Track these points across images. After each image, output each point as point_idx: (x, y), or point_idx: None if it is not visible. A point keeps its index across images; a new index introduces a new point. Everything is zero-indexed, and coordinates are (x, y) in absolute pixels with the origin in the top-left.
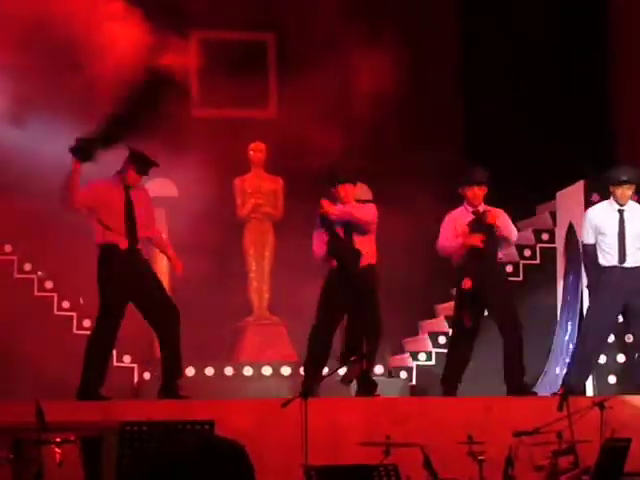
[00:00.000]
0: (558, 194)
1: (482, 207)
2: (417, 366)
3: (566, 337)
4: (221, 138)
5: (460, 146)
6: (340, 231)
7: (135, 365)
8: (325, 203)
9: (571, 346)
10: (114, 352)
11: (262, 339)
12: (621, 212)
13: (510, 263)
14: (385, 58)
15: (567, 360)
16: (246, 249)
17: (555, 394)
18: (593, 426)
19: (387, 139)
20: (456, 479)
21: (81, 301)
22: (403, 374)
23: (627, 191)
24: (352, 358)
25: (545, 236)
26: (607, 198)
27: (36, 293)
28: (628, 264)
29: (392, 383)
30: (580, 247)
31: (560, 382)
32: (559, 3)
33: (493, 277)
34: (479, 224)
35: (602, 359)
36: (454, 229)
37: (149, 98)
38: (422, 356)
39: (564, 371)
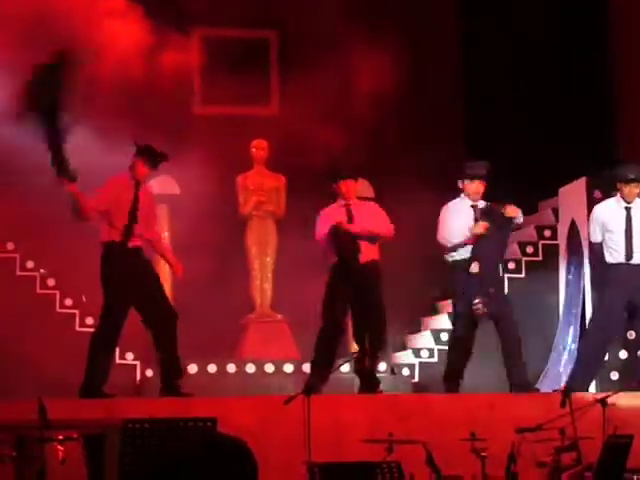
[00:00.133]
0: (560, 191)
1: (482, 202)
2: (420, 363)
3: (568, 334)
4: (223, 136)
5: (461, 144)
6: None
7: (138, 362)
8: (342, 222)
9: (571, 343)
10: (117, 350)
11: (264, 336)
12: (628, 209)
13: (512, 260)
14: (386, 57)
15: (566, 357)
16: (248, 247)
17: (556, 390)
18: (595, 423)
19: (388, 137)
20: (459, 476)
21: (83, 299)
22: (406, 371)
23: (635, 189)
24: (354, 354)
25: (547, 232)
26: (609, 195)
27: (38, 291)
28: (635, 261)
29: (395, 380)
30: (585, 245)
31: (563, 380)
32: (559, 3)
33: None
34: (488, 217)
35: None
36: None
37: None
38: (424, 353)
39: (566, 369)
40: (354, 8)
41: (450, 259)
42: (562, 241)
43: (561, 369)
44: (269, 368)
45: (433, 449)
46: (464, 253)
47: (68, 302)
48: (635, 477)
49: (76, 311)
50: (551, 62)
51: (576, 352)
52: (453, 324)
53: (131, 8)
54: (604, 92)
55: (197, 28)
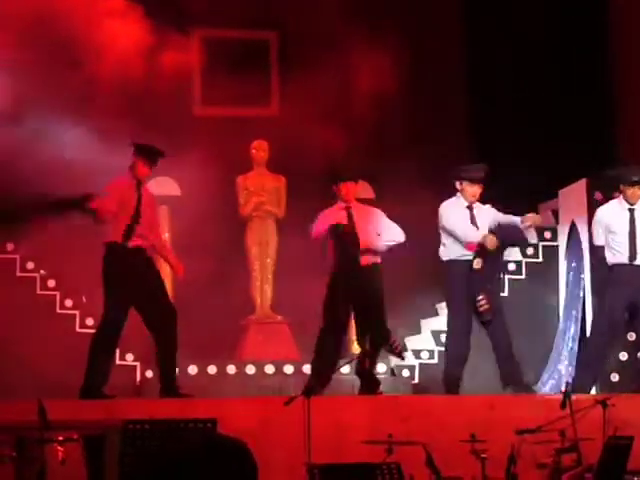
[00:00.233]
0: (560, 192)
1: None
2: (420, 364)
3: (568, 335)
4: (223, 136)
5: (461, 145)
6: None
7: (138, 363)
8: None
9: (572, 344)
10: (117, 351)
11: (265, 337)
12: (631, 211)
13: (513, 261)
14: (386, 57)
15: (566, 358)
16: (248, 247)
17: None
18: (596, 424)
19: (388, 138)
20: (459, 477)
21: (84, 300)
22: (406, 372)
23: (638, 191)
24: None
25: (547, 234)
26: (610, 196)
27: (38, 291)
28: (638, 262)
29: (395, 381)
30: (585, 247)
31: (563, 381)
32: (559, 3)
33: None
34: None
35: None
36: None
37: None
38: (425, 354)
39: (566, 370)
40: (354, 8)
41: (445, 258)
42: (562, 243)
43: (562, 370)
44: (269, 369)
45: (433, 450)
46: (459, 252)
47: (68, 303)
48: (635, 479)
49: (76, 312)
50: (551, 62)
51: (577, 353)
52: (449, 324)
53: (131, 8)
54: (604, 93)
55: (197, 28)
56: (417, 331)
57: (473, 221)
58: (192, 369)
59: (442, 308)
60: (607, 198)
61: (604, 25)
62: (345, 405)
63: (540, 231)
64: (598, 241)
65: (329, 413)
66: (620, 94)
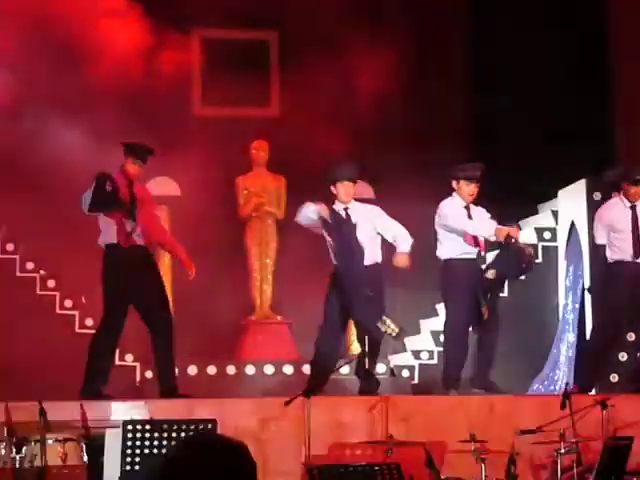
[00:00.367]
0: (560, 192)
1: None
2: (419, 365)
3: (568, 335)
4: (223, 137)
5: (461, 146)
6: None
7: (137, 364)
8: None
9: (571, 344)
10: (117, 351)
11: (264, 338)
12: (633, 208)
13: None
14: (387, 57)
15: (565, 358)
16: (248, 248)
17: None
18: (595, 425)
19: (389, 138)
20: (458, 478)
21: (83, 300)
22: (405, 373)
23: None
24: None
25: (547, 234)
26: (609, 197)
27: (38, 292)
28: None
29: (394, 382)
30: (584, 247)
31: (562, 381)
32: (559, 3)
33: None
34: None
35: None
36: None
37: None
38: (424, 355)
39: (566, 370)
40: (354, 8)
41: (443, 257)
42: (562, 243)
43: (561, 370)
44: (269, 369)
45: (433, 451)
46: (458, 251)
47: (68, 303)
48: (635, 479)
49: (76, 312)
50: (551, 62)
51: (575, 353)
52: (447, 324)
53: (130, 8)
54: (604, 93)
55: (197, 28)
56: (417, 331)
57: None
58: (192, 369)
59: (442, 308)
60: (606, 199)
61: (604, 25)
62: (345, 405)
63: (540, 231)
64: (599, 240)
65: (329, 413)
66: (620, 96)
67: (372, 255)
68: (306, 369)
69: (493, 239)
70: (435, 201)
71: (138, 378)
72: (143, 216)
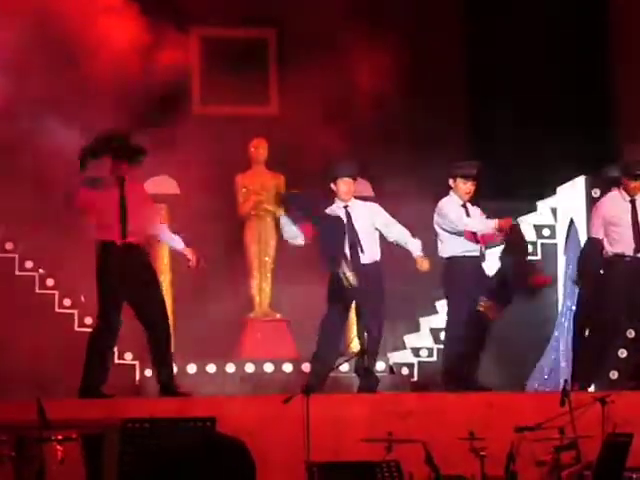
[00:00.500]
0: (559, 189)
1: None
2: (419, 362)
3: (566, 332)
4: (222, 135)
5: (461, 144)
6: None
7: (137, 362)
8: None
9: (569, 341)
10: (116, 349)
11: (264, 336)
12: (632, 202)
13: None
14: (386, 56)
15: (563, 355)
16: (247, 246)
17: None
18: (595, 421)
19: (388, 137)
20: (458, 475)
21: (82, 299)
22: (405, 370)
23: None
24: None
25: (546, 232)
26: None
27: (37, 291)
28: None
29: (394, 379)
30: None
31: (561, 377)
32: (559, 3)
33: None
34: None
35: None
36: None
37: None
38: (423, 352)
39: (564, 366)
40: (353, 7)
41: (445, 255)
42: (561, 240)
43: (560, 367)
44: (268, 367)
45: (432, 448)
46: (460, 248)
47: (67, 302)
48: (635, 475)
49: (75, 311)
50: (551, 61)
51: (574, 350)
52: (449, 321)
53: (127, 6)
54: (603, 91)
55: (195, 27)
56: (416, 329)
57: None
58: (191, 368)
59: (441, 306)
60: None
61: (604, 25)
62: (344, 403)
63: (538, 229)
64: (597, 234)
65: (328, 411)
66: (619, 93)
67: (371, 253)
68: (305, 367)
69: (492, 231)
70: (434, 200)
71: (138, 377)
72: (136, 213)
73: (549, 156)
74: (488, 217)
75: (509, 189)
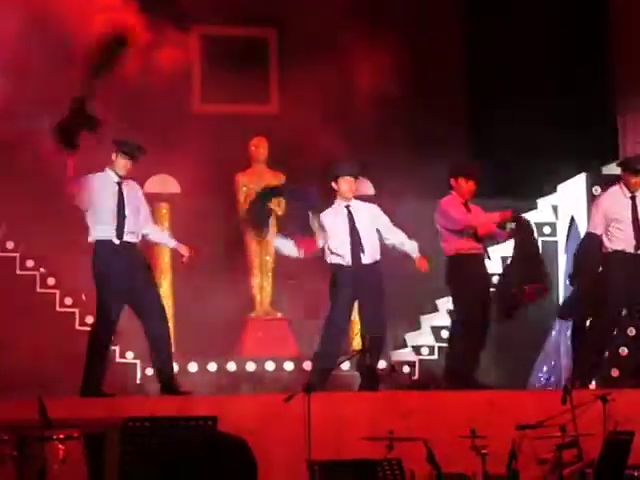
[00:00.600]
0: (559, 187)
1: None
2: (420, 360)
3: (566, 330)
4: (222, 134)
5: (461, 143)
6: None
7: (138, 361)
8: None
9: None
10: (117, 348)
11: (265, 334)
12: (633, 198)
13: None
14: (386, 56)
15: (564, 353)
16: (248, 245)
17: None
18: (596, 419)
19: (388, 136)
20: (459, 473)
21: (83, 297)
22: (406, 368)
23: None
24: (355, 352)
25: (547, 229)
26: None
27: (38, 290)
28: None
29: (395, 378)
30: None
31: (561, 375)
32: (559, 3)
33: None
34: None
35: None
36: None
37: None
38: (425, 350)
39: (565, 364)
40: (354, 6)
41: (449, 254)
42: (562, 238)
43: (561, 364)
44: (269, 366)
45: (434, 446)
46: (463, 247)
47: (68, 301)
48: (636, 473)
49: (76, 310)
50: (551, 61)
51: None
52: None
53: (127, 4)
54: (604, 89)
55: (195, 25)
56: (417, 327)
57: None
58: (192, 366)
59: (442, 304)
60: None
61: (604, 25)
62: (345, 401)
63: (539, 226)
64: (596, 229)
65: (329, 409)
66: (620, 92)
67: (372, 253)
68: (307, 365)
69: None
70: (434, 199)
71: (139, 375)
72: (131, 212)
73: (549, 154)
74: None
75: (509, 187)
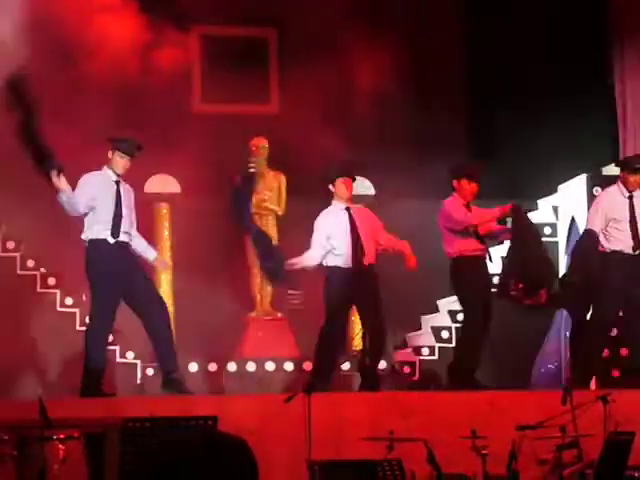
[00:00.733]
0: (560, 188)
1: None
2: (420, 361)
3: (566, 330)
4: (222, 134)
5: (461, 143)
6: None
7: (138, 361)
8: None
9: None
10: (117, 349)
11: (265, 335)
12: (630, 198)
13: None
14: (386, 56)
15: (563, 353)
16: (248, 245)
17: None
18: (597, 420)
19: (388, 136)
20: (460, 474)
21: (84, 297)
22: (406, 369)
23: None
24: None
25: (547, 230)
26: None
27: (39, 289)
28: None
29: (395, 378)
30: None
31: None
32: (559, 3)
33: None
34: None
35: (605, 353)
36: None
37: None
38: (425, 351)
39: (564, 364)
40: (354, 6)
41: (454, 255)
42: (562, 238)
43: (561, 364)
44: (270, 366)
45: (434, 447)
46: (466, 249)
47: (68, 301)
48: (636, 474)
49: (76, 310)
50: (551, 61)
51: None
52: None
53: (127, 4)
54: (604, 90)
55: (196, 25)
56: (417, 327)
57: None
58: (192, 366)
59: (442, 304)
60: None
61: (604, 25)
62: (346, 402)
63: (540, 227)
64: (595, 226)
65: (330, 410)
66: (620, 92)
67: (370, 255)
68: (307, 366)
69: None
70: (434, 199)
71: (139, 375)
72: (127, 211)
73: (550, 154)
74: None
75: (510, 188)
